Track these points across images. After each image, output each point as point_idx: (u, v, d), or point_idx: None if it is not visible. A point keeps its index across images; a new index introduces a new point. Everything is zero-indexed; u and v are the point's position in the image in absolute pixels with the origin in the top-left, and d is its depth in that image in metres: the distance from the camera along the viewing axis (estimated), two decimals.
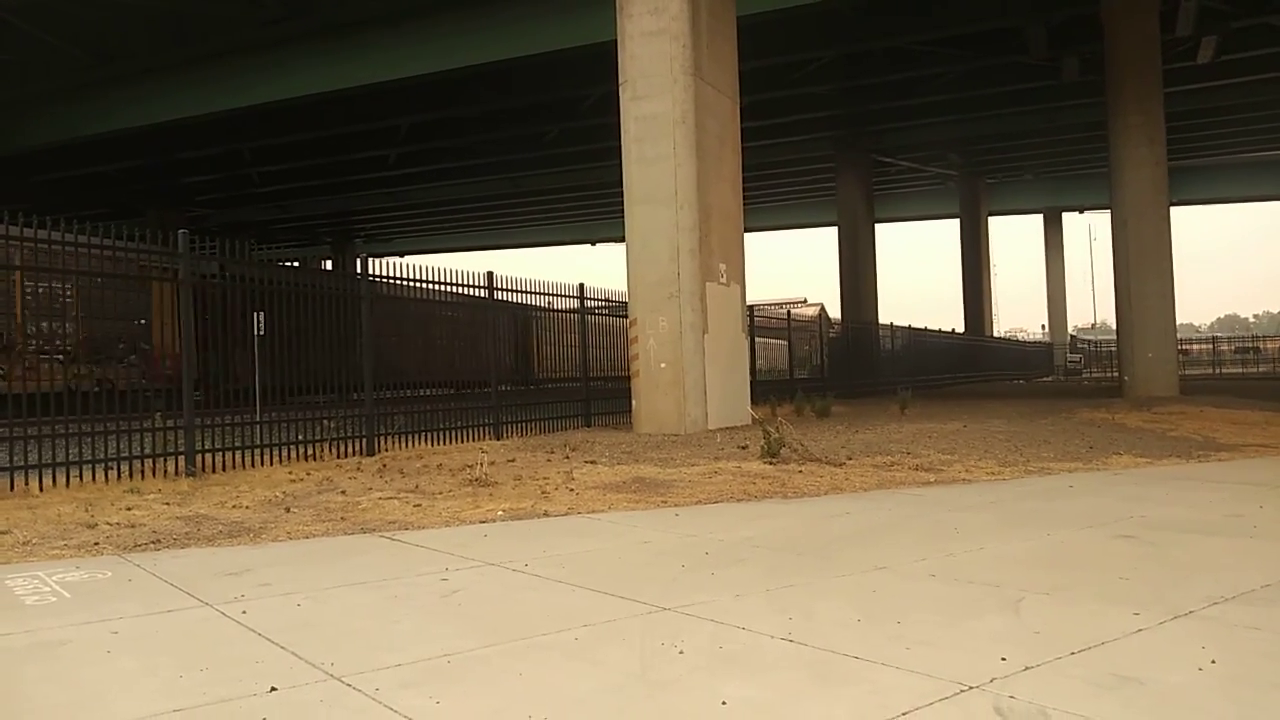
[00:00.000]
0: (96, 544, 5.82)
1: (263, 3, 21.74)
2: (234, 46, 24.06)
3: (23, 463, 8.13)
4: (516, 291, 14.13)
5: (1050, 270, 60.32)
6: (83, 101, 26.74)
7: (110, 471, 8.67)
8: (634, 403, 13.59)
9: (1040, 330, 74.78)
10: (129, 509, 7.12)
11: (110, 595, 4.53)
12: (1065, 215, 59.05)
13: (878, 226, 38.79)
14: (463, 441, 12.50)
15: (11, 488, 7.90)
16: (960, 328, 43.70)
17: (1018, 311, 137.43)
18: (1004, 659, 3.28)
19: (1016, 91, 29.48)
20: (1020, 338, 72.96)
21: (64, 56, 24.25)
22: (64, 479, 8.31)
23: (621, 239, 14.19)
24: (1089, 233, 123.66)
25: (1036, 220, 60.33)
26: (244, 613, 4.13)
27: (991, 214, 50.02)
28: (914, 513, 6.72)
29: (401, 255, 54.90)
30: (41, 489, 8.02)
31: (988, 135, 35.98)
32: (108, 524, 6.46)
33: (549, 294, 15.01)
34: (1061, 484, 8.05)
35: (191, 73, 25.11)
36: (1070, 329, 63.79)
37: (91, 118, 27.09)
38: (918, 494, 7.61)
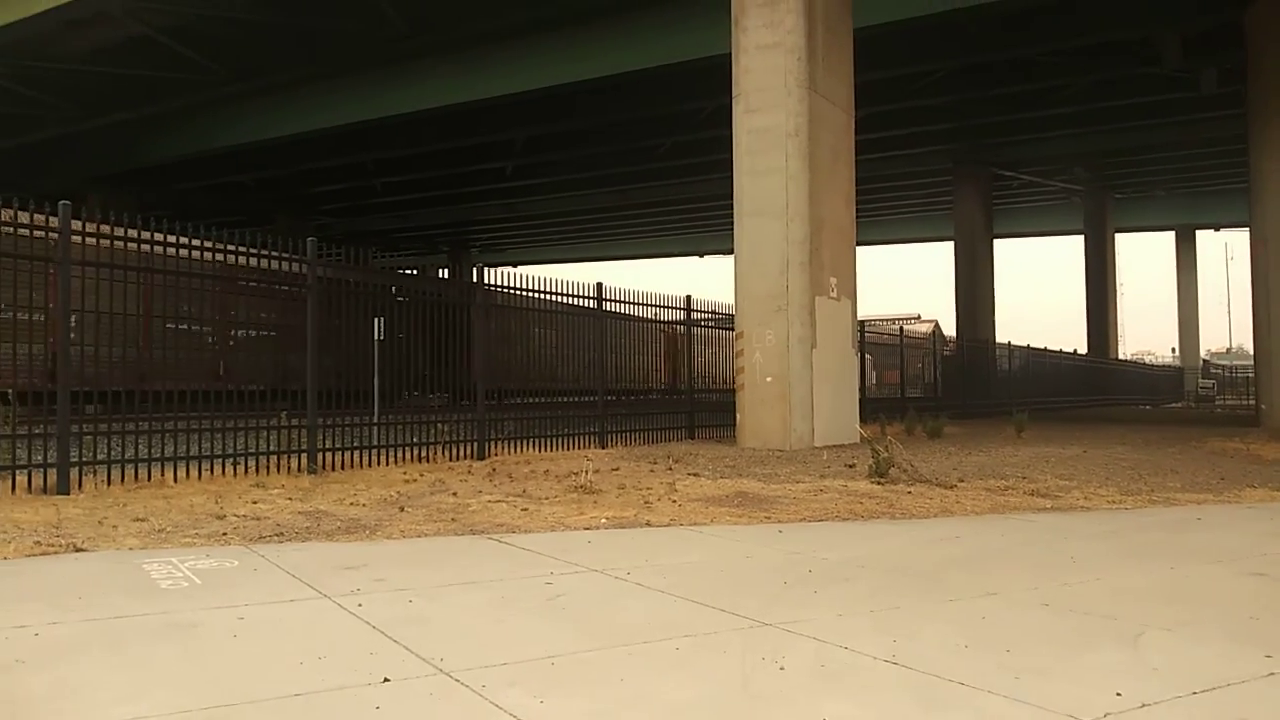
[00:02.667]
0: (224, 534, 6.14)
1: (388, 20, 22.64)
2: (360, 62, 25.15)
3: (160, 455, 8.65)
4: (624, 303, 14.27)
5: (1182, 290, 57.48)
6: (219, 114, 28.36)
7: (238, 466, 9.15)
8: (738, 416, 13.54)
9: (1170, 354, 71.21)
10: (255, 502, 7.50)
11: (237, 583, 4.78)
12: (1199, 233, 56.29)
13: (996, 241, 37.67)
14: (568, 449, 12.69)
15: (150, 478, 8.42)
16: (1083, 348, 42.00)
17: (1145, 333, 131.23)
18: (1119, 694, 3.16)
19: (1147, 104, 28.26)
20: (1148, 360, 69.63)
21: (205, 72, 25.73)
22: (196, 472, 8.81)
23: (729, 251, 14.19)
24: (1225, 251, 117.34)
25: (1168, 238, 57.67)
26: (359, 606, 4.31)
27: (1119, 230, 48.00)
28: (1027, 539, 6.51)
29: (515, 265, 56.11)
30: (176, 480, 8.51)
31: (1116, 149, 34.58)
32: (235, 516, 6.82)
33: (656, 305, 15.08)
34: (1188, 516, 7.66)
35: (320, 87, 26.38)
36: (1203, 353, 60.66)
37: (227, 130, 28.70)
38: (1032, 520, 7.36)
